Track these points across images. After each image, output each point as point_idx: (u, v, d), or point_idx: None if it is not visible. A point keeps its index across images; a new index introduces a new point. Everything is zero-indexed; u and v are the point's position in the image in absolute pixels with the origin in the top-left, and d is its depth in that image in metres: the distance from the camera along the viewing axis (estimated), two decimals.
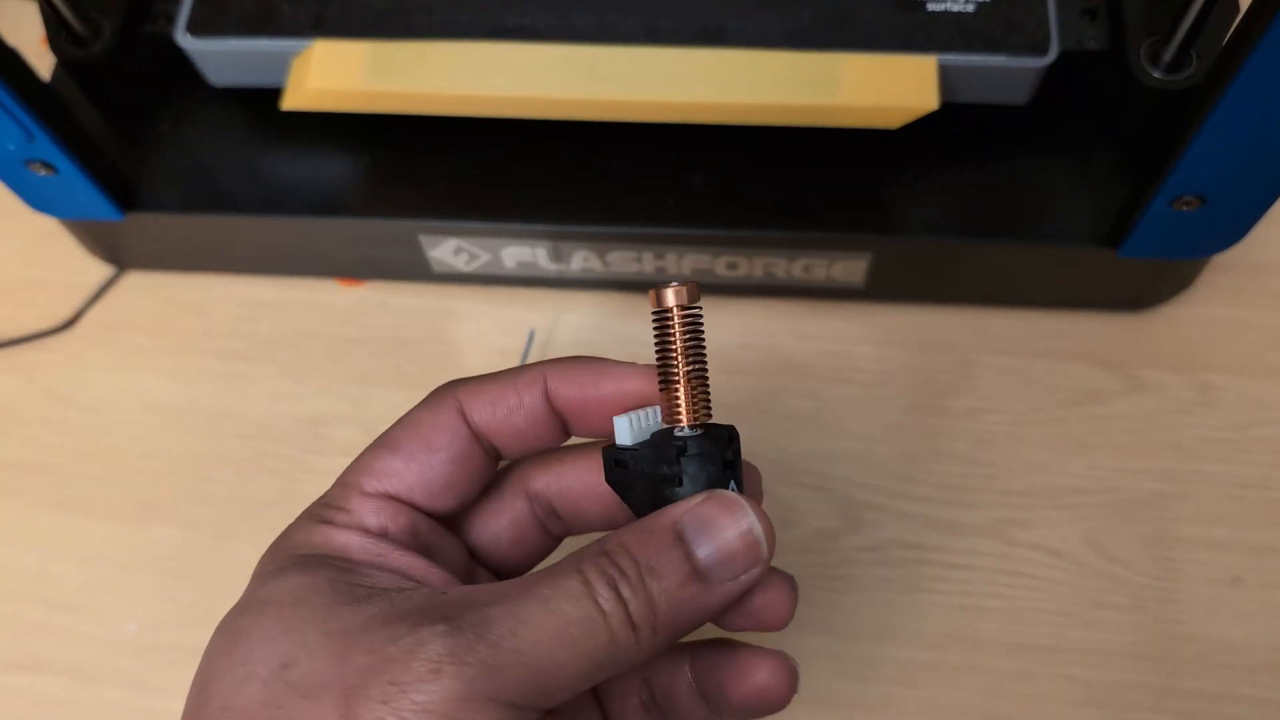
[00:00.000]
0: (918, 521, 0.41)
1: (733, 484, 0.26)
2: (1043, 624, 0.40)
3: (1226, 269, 0.45)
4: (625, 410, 0.27)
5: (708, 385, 0.26)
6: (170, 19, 0.41)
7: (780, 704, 0.28)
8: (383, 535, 0.26)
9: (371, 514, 0.27)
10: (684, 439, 0.26)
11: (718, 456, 0.26)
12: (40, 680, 0.41)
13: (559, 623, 0.23)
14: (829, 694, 0.39)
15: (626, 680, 0.29)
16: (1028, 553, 0.41)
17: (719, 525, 0.25)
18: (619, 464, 0.27)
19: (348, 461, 0.28)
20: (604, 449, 0.27)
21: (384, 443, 0.28)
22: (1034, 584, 0.40)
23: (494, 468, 0.29)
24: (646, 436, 0.27)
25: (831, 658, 0.40)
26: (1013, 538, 0.41)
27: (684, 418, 0.26)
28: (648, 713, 0.30)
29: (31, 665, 0.41)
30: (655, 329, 0.26)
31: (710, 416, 0.26)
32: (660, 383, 0.26)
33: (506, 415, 0.28)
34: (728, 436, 0.26)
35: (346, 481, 0.28)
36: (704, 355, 0.26)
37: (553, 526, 0.30)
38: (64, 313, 0.47)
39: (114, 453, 0.44)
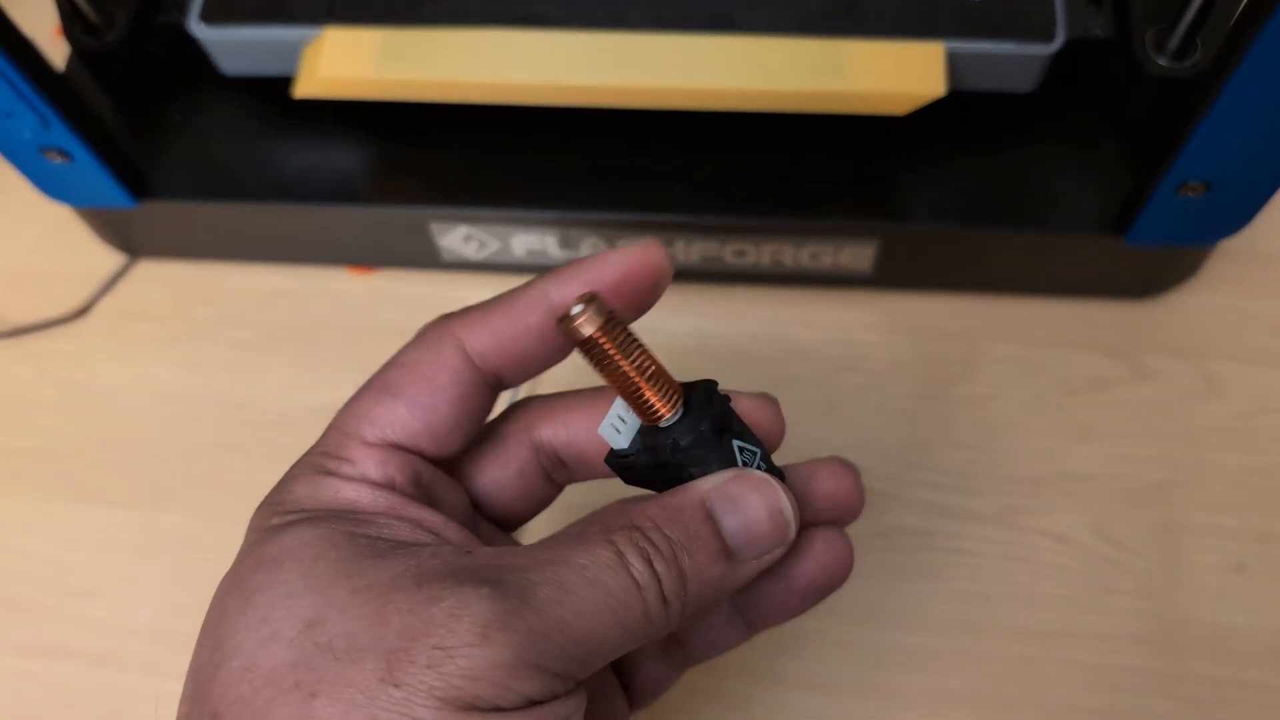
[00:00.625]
0: (925, 508, 0.42)
1: (736, 443, 0.26)
2: (1049, 610, 0.40)
3: (1232, 258, 0.45)
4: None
5: (660, 367, 0.25)
6: (182, 9, 0.41)
7: (843, 576, 0.28)
8: (390, 487, 0.25)
9: (375, 466, 0.25)
10: (671, 434, 0.25)
11: (710, 436, 0.25)
12: (56, 664, 0.41)
13: (599, 594, 0.22)
14: (836, 679, 0.39)
15: None
16: (1034, 539, 0.41)
17: (747, 504, 0.25)
18: (627, 468, 0.26)
19: None
20: (606, 460, 0.26)
21: (382, 387, 0.26)
22: (1040, 570, 0.40)
23: (494, 400, 0.28)
24: (636, 428, 0.26)
25: (839, 643, 0.40)
26: (1019, 524, 0.41)
27: (661, 411, 0.25)
28: (666, 652, 0.30)
29: (47, 650, 0.41)
30: (585, 357, 0.24)
31: (680, 392, 0.25)
32: (621, 395, 0.25)
33: (511, 342, 0.26)
34: (707, 398, 0.26)
35: (345, 430, 0.26)
36: (644, 348, 0.25)
37: (558, 475, 0.30)
38: (77, 301, 0.47)
39: (127, 440, 0.45)
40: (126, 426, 0.45)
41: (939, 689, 0.39)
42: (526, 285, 0.27)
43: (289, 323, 0.46)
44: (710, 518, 0.24)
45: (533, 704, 0.21)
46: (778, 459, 0.27)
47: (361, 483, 0.25)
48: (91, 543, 0.43)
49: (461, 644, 0.21)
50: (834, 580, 0.28)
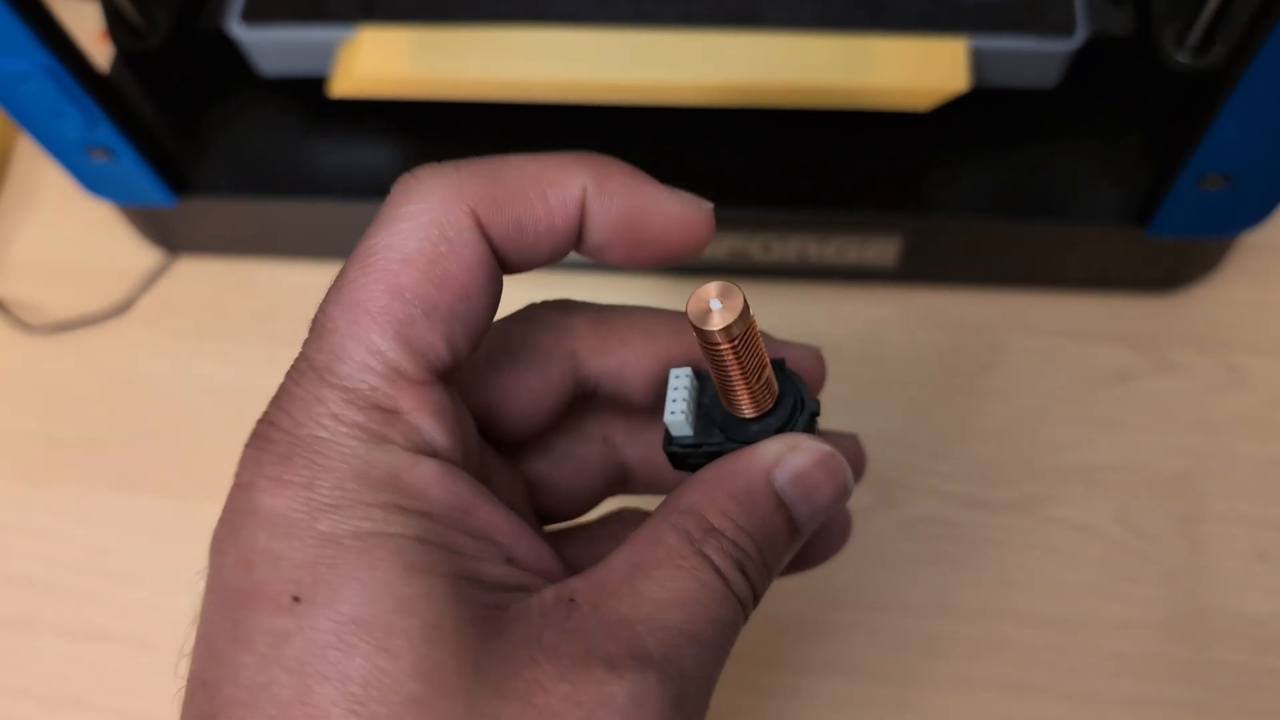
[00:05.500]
0: (949, 498, 0.42)
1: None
2: (1072, 597, 0.40)
3: (1254, 251, 0.45)
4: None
5: (769, 365, 0.24)
6: (223, 12, 0.43)
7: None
8: (451, 460, 0.21)
9: (431, 423, 0.21)
10: (754, 426, 0.24)
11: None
12: (99, 647, 0.42)
13: (721, 631, 0.21)
14: (862, 665, 0.40)
15: None
16: (1057, 528, 0.41)
17: (817, 485, 0.23)
18: (686, 456, 0.25)
19: None
20: (667, 449, 0.25)
21: (412, 295, 0.20)
22: (1063, 558, 0.41)
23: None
24: (696, 410, 0.24)
25: (864, 630, 0.40)
26: (1042, 513, 0.42)
27: (761, 410, 0.24)
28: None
29: (90, 633, 0.42)
30: (704, 347, 0.22)
31: (776, 387, 0.24)
32: (720, 385, 0.24)
33: (534, 238, 0.22)
34: (797, 404, 0.24)
35: (380, 353, 0.20)
36: (763, 354, 0.23)
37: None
38: (118, 297, 0.49)
39: (167, 431, 0.46)
40: (167, 417, 0.46)
41: (962, 675, 0.39)
42: (546, 166, 0.22)
43: None
44: (782, 504, 0.23)
45: None
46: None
47: (425, 457, 0.21)
48: (133, 530, 0.44)
49: None
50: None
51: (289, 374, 0.21)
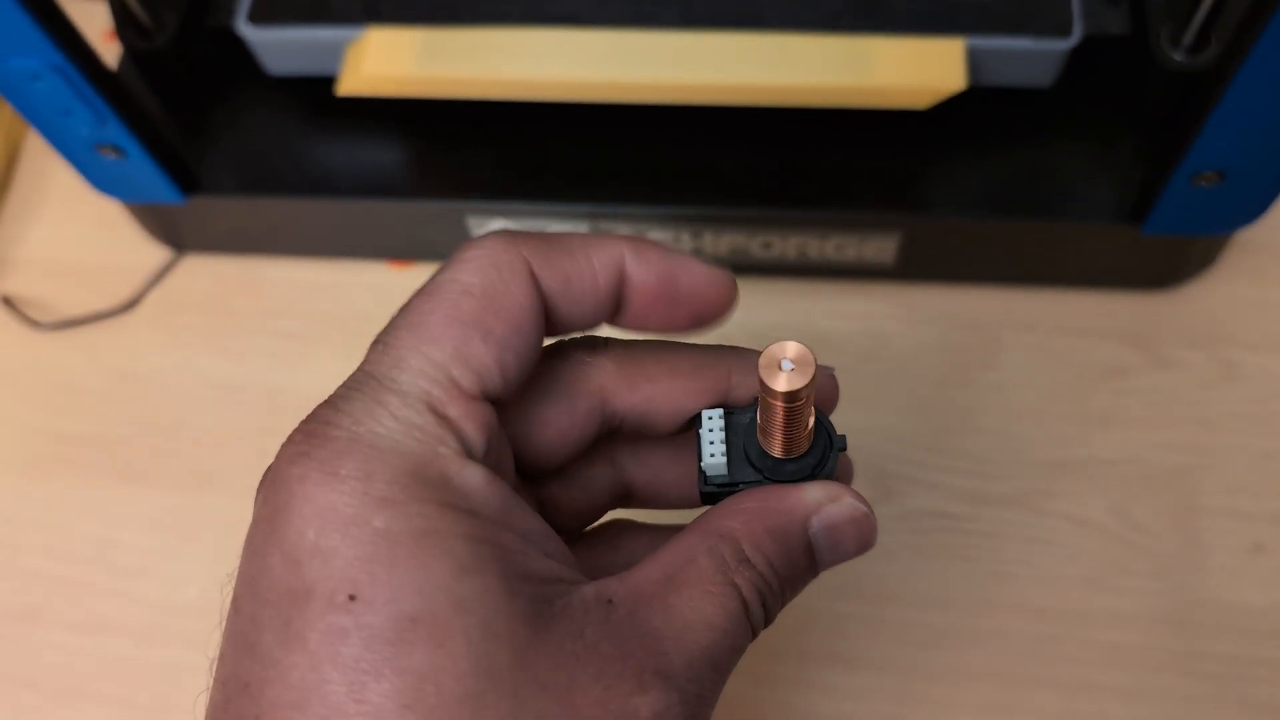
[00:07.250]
0: (947, 491, 0.43)
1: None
2: (1069, 589, 0.41)
3: (1248, 249, 0.46)
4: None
5: (813, 423, 0.24)
6: (230, 11, 0.43)
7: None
8: (494, 468, 0.22)
9: (477, 431, 0.22)
10: (790, 466, 0.25)
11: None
12: (105, 641, 0.42)
13: (736, 659, 0.23)
14: (861, 657, 0.40)
15: None
16: (1054, 521, 0.42)
17: (846, 539, 0.25)
18: (717, 495, 0.26)
19: None
20: (703, 489, 0.26)
21: (467, 319, 0.22)
22: (1061, 551, 0.41)
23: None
24: (729, 449, 0.26)
25: (863, 622, 0.41)
26: (1040, 507, 0.42)
27: (799, 452, 0.25)
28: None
29: (97, 627, 0.43)
30: (762, 399, 0.23)
31: (813, 432, 0.25)
32: (763, 429, 0.25)
33: (579, 298, 0.24)
34: (828, 446, 0.25)
35: (437, 365, 0.22)
36: (813, 410, 0.24)
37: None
38: (125, 294, 0.49)
39: (174, 426, 0.46)
40: (173, 413, 0.47)
41: (960, 665, 0.40)
42: (590, 239, 0.25)
43: (330, 314, 0.48)
44: (810, 547, 0.25)
45: None
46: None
47: (472, 464, 0.22)
48: (139, 524, 0.44)
49: None
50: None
51: (346, 382, 0.23)
